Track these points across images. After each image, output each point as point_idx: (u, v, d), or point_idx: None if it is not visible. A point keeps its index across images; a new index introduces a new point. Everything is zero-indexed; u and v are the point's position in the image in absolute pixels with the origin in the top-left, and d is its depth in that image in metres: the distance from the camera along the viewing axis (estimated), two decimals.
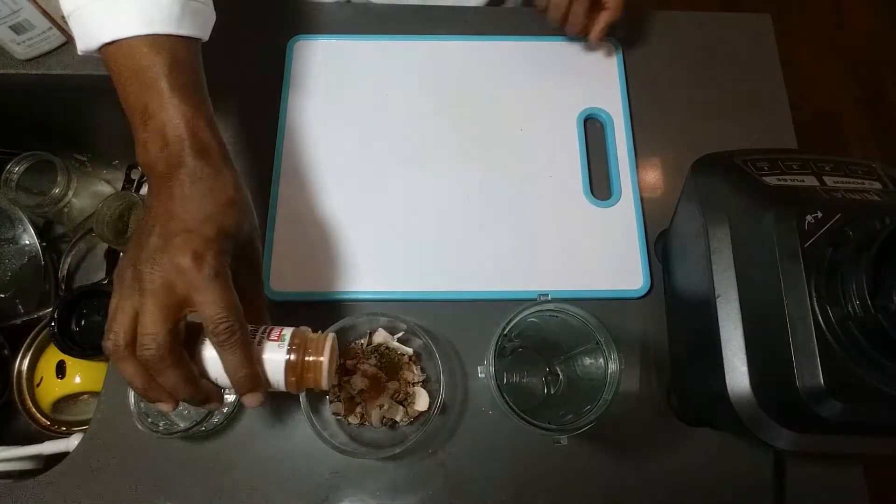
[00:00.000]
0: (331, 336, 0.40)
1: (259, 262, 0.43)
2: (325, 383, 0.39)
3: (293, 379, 0.38)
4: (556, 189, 0.58)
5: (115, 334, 0.35)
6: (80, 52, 0.42)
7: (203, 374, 0.38)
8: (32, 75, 0.63)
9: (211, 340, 0.36)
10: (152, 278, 0.35)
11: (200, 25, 0.43)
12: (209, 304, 0.35)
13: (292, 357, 0.38)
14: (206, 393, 0.38)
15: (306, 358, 0.38)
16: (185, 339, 0.37)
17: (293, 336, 0.39)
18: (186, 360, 0.36)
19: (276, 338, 0.38)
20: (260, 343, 0.38)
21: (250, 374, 0.37)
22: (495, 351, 0.43)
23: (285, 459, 0.50)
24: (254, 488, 0.49)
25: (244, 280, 0.40)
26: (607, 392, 0.42)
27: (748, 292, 0.39)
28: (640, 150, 0.61)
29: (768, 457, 0.50)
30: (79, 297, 0.63)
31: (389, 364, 0.51)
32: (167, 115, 0.39)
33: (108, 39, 0.39)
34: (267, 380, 0.38)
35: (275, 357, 0.38)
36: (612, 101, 0.62)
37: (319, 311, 0.54)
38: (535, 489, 0.50)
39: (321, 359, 0.38)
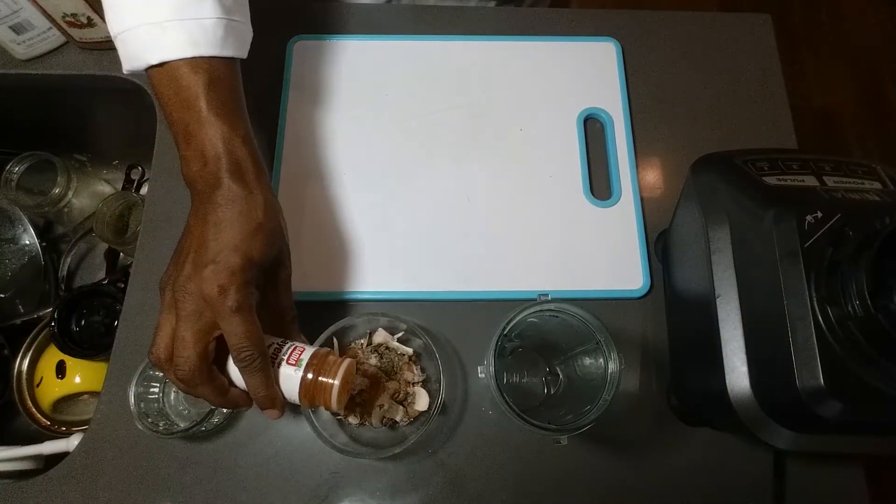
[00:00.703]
0: (347, 361, 0.42)
1: (288, 280, 0.45)
2: (335, 405, 0.41)
3: (306, 398, 0.41)
4: (556, 189, 0.58)
5: (157, 349, 0.39)
6: (125, 71, 0.43)
7: (232, 382, 0.41)
8: (32, 75, 0.63)
9: (234, 363, 0.39)
10: (185, 305, 0.38)
11: (241, 45, 0.45)
12: (232, 335, 0.38)
13: (308, 376, 0.40)
14: (234, 401, 0.41)
15: (319, 379, 0.40)
16: (218, 351, 0.40)
17: (311, 357, 0.41)
18: (216, 375, 0.40)
19: (293, 362, 0.41)
20: (280, 363, 0.41)
21: (268, 395, 0.40)
22: (495, 351, 0.43)
23: (285, 459, 0.50)
24: (254, 488, 0.49)
25: (272, 299, 0.44)
26: (607, 392, 0.42)
27: (748, 292, 0.39)
28: (640, 150, 0.61)
29: (768, 457, 0.50)
30: (79, 297, 0.63)
31: (389, 364, 0.51)
32: (206, 134, 0.41)
33: (154, 62, 0.41)
34: (284, 396, 0.41)
35: (291, 375, 0.41)
36: (612, 101, 0.62)
37: (319, 311, 0.54)
38: (535, 489, 0.50)
39: (333, 381, 0.40)
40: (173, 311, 0.39)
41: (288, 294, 0.45)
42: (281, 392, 0.41)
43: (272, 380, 0.40)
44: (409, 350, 0.51)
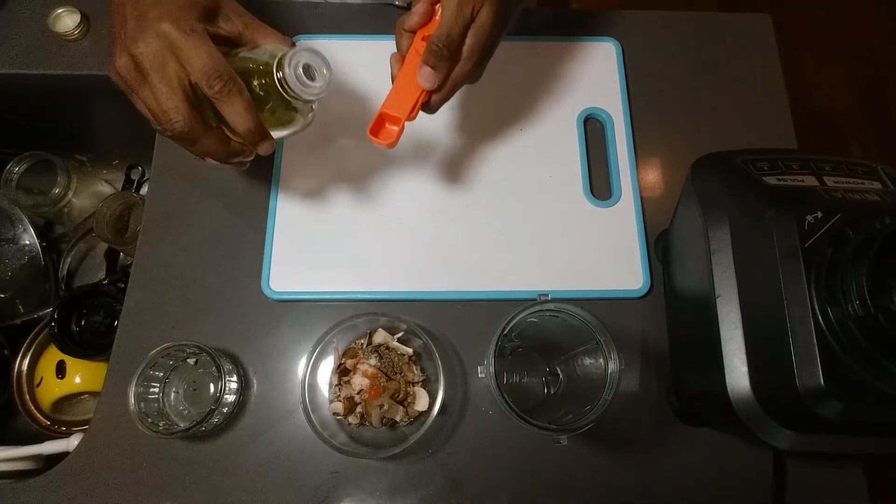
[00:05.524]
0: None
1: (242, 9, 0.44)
2: None
3: None
4: (556, 189, 0.58)
5: (152, 116, 0.39)
6: None
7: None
8: (32, 75, 0.63)
9: (209, 97, 0.39)
10: (146, 57, 0.38)
11: None
12: (196, 62, 0.38)
13: None
14: (238, 149, 0.43)
15: None
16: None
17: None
18: (210, 126, 0.41)
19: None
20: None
21: (255, 125, 0.40)
22: (495, 351, 0.43)
23: (285, 459, 0.50)
24: (254, 488, 0.49)
25: (234, 24, 0.43)
26: (607, 392, 0.42)
27: (748, 292, 0.39)
28: (640, 150, 0.61)
29: (768, 457, 0.50)
30: (79, 297, 0.63)
31: (389, 364, 0.51)
32: None
33: None
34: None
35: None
36: (612, 101, 0.62)
37: (319, 311, 0.54)
38: (536, 489, 0.50)
39: None
40: (140, 78, 0.39)
41: (249, 18, 0.44)
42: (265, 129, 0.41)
43: (253, 107, 0.40)
44: (409, 350, 0.51)
